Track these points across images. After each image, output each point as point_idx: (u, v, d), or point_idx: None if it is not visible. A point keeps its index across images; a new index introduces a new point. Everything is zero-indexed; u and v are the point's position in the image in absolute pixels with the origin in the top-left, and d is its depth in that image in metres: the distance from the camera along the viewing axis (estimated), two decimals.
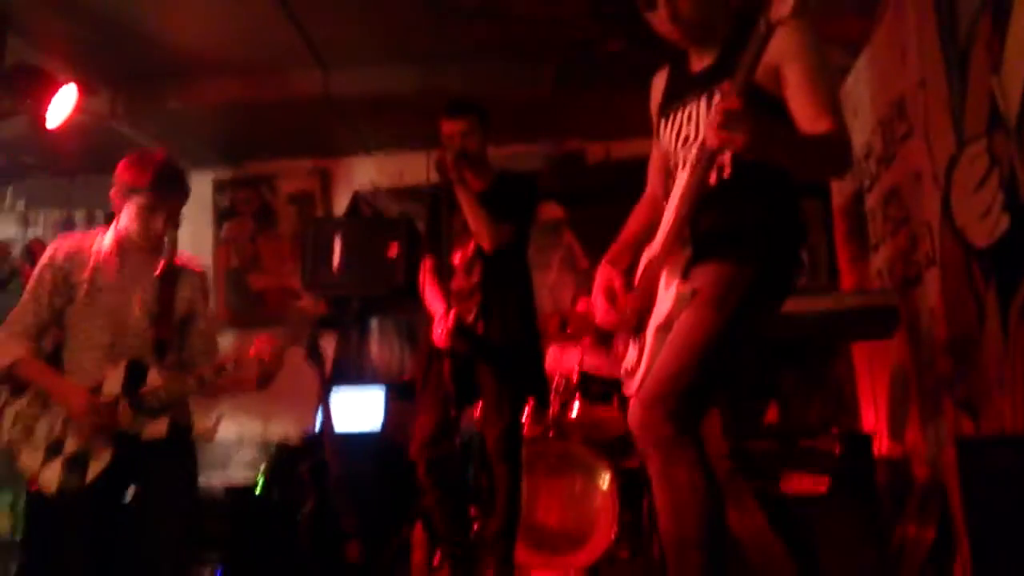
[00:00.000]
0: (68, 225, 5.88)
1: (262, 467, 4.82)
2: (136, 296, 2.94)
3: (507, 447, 3.52)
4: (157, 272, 2.98)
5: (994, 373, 3.09)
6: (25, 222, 6.17)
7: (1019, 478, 2.31)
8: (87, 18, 4.46)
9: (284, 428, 5.39)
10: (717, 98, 2.15)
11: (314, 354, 3.35)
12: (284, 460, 4.76)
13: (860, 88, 4.64)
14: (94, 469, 2.74)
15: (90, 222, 5.73)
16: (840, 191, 5.11)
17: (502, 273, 3.63)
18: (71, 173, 3.64)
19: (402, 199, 5.98)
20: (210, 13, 4.53)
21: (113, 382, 2.82)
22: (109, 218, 3.06)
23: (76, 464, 2.74)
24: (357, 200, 6.20)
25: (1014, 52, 2.81)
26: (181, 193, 3.00)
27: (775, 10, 1.79)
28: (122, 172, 2.94)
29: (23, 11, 4.28)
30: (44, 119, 4.31)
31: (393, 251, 5.32)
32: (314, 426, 4.94)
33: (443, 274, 3.61)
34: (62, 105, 4.33)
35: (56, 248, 2.95)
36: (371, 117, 5.59)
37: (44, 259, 2.93)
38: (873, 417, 4.49)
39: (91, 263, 2.91)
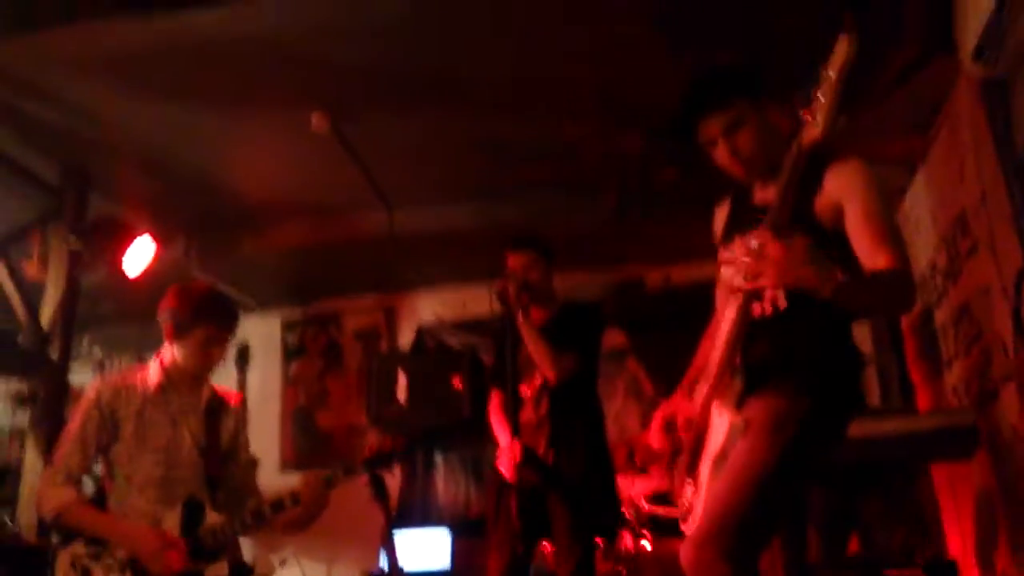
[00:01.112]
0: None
1: None
2: (185, 429, 2.92)
3: None
4: (203, 404, 2.98)
5: None
6: (101, 368, 6.36)
7: None
8: (163, 172, 4.71)
9: (348, 571, 5.31)
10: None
11: (379, 492, 3.31)
12: None
13: (920, 206, 4.62)
14: None
15: None
16: None
17: (570, 404, 3.59)
18: (144, 319, 3.78)
19: (466, 331, 6.03)
20: (280, 162, 4.75)
21: (171, 522, 2.78)
22: None
23: None
24: (421, 334, 6.28)
25: None
26: (235, 323, 3.02)
27: (806, 134, 1.84)
28: (177, 305, 2.91)
29: (102, 167, 4.54)
30: (122, 269, 4.48)
31: (458, 383, 5.34)
32: (379, 567, 4.86)
33: (510, 406, 3.58)
34: (140, 255, 4.52)
35: (100, 386, 2.91)
36: (434, 253, 5.71)
37: (90, 397, 2.88)
38: (959, 544, 4.27)
39: (138, 398, 2.89)
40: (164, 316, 2.93)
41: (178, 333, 2.91)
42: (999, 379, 3.66)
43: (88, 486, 2.95)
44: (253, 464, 3.12)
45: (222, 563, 2.79)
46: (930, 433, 3.69)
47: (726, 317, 2.22)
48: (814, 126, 1.82)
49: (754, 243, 1.97)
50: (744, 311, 2.12)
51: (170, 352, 2.95)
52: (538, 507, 3.46)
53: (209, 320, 2.92)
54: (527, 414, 3.61)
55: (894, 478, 4.15)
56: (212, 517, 2.82)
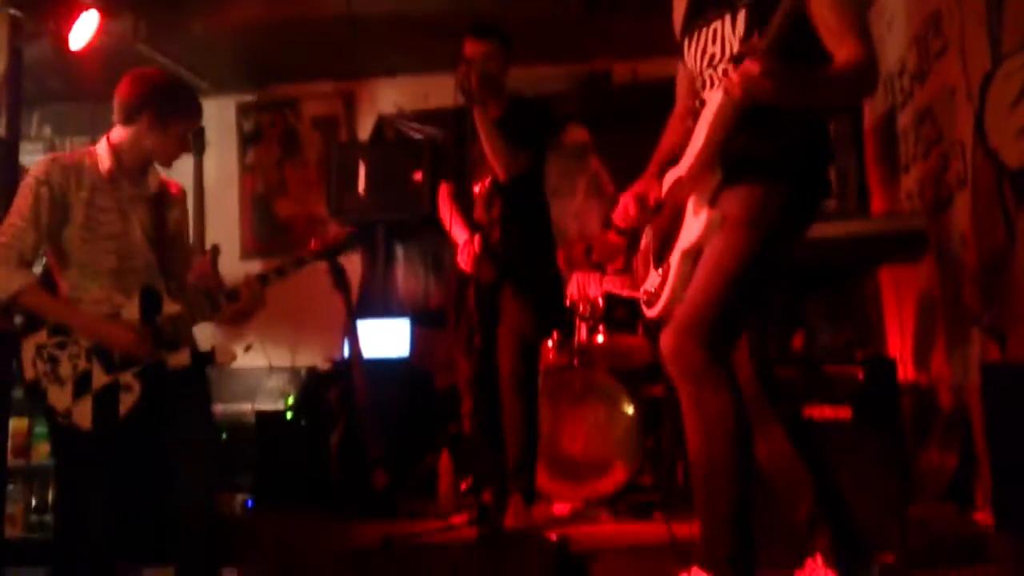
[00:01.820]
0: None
1: (290, 394, 4.90)
2: (135, 218, 2.85)
3: (522, 376, 3.54)
4: (151, 193, 2.90)
5: (1022, 299, 3.05)
6: (52, 148, 6.19)
7: None
8: None
9: (313, 356, 5.47)
10: (740, 20, 2.17)
11: (340, 282, 3.36)
12: (313, 387, 4.83)
13: (895, 2, 4.50)
14: (125, 403, 2.71)
15: None
16: (872, 110, 5.00)
17: (521, 204, 3.62)
18: (96, 98, 3.66)
19: (427, 122, 5.93)
20: None
21: (130, 311, 2.77)
22: None
23: (106, 398, 2.70)
24: (382, 124, 6.17)
25: None
26: (200, 110, 2.95)
27: None
28: (140, 88, 2.79)
29: None
30: (67, 42, 4.29)
31: (418, 176, 5.31)
32: (342, 354, 5.01)
33: (463, 200, 3.59)
34: (84, 28, 4.32)
35: (50, 165, 2.75)
36: (395, 38, 5.52)
37: (38, 175, 2.72)
38: (899, 343, 4.46)
39: (87, 184, 2.77)
40: (141, 102, 2.79)
41: (159, 123, 2.80)
42: (954, 184, 3.71)
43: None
44: (192, 256, 3.11)
45: (183, 351, 2.82)
46: (881, 236, 3.76)
47: (707, 107, 2.19)
48: None
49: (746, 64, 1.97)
50: (736, 108, 2.10)
51: (130, 138, 2.82)
52: (495, 300, 3.54)
53: (187, 111, 2.87)
54: (478, 214, 3.63)
55: (842, 279, 4.27)
56: (169, 306, 2.81)
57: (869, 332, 4.55)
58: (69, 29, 4.27)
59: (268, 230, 6.29)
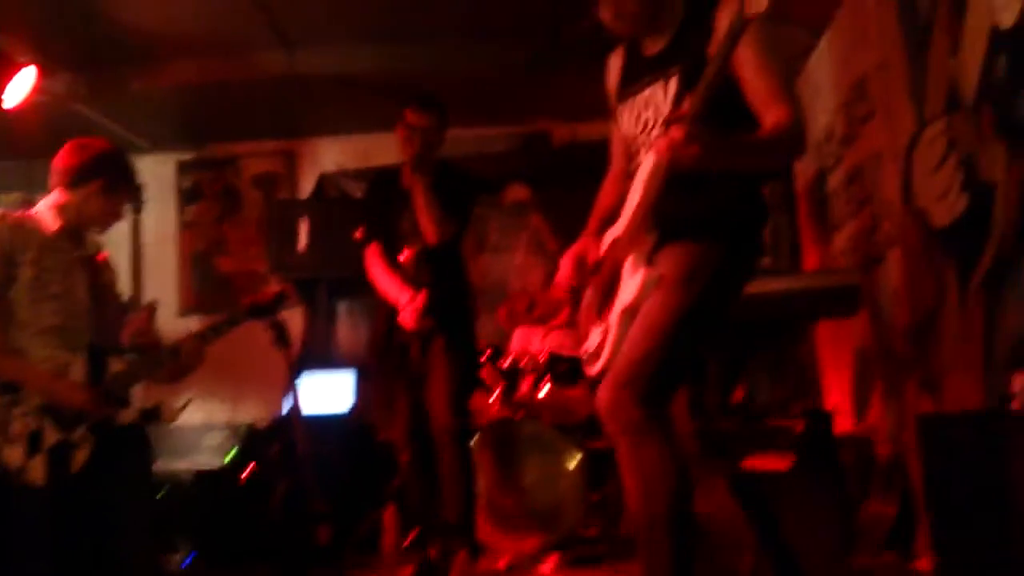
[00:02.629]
0: (28, 208, 5.77)
1: (231, 450, 4.80)
2: (77, 278, 2.88)
3: (455, 428, 3.59)
4: (87, 255, 2.96)
5: (953, 351, 3.14)
6: None
7: (977, 453, 2.35)
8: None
9: (253, 412, 5.38)
10: (672, 86, 2.22)
11: (280, 338, 3.33)
12: (253, 444, 4.75)
13: (822, 69, 4.67)
14: (78, 459, 2.70)
15: None
16: (803, 173, 5.15)
17: (449, 265, 3.75)
18: (32, 156, 3.62)
19: (368, 181, 5.94)
20: None
21: (78, 369, 2.77)
22: None
23: (59, 455, 2.68)
24: (323, 182, 6.17)
25: (971, 35, 2.85)
26: (136, 180, 3.07)
27: (750, 6, 1.81)
28: (90, 156, 2.92)
29: None
30: (1, 100, 4.22)
31: (360, 233, 5.31)
32: (283, 410, 4.94)
33: (394, 260, 3.67)
34: (20, 86, 4.25)
35: None
36: (337, 97, 5.55)
37: None
38: (836, 397, 4.55)
39: (35, 244, 2.80)
40: (92, 170, 2.90)
41: (108, 191, 2.93)
42: (884, 244, 3.82)
43: None
44: (121, 321, 3.10)
45: (131, 408, 2.83)
46: (816, 291, 3.86)
47: (642, 170, 2.24)
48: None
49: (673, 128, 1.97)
50: (666, 170, 2.14)
51: (75, 202, 2.90)
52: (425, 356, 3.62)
53: (133, 181, 3.01)
54: (411, 275, 3.68)
55: (780, 334, 4.36)
56: (115, 364, 2.83)
57: (808, 385, 4.63)
58: (4, 88, 4.20)
59: (208, 286, 6.22)
